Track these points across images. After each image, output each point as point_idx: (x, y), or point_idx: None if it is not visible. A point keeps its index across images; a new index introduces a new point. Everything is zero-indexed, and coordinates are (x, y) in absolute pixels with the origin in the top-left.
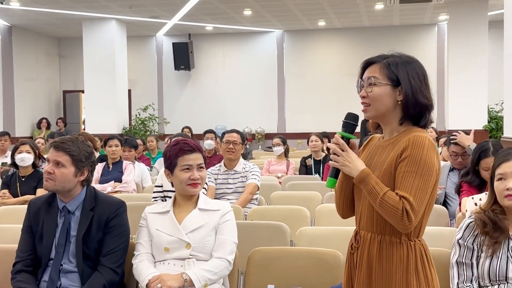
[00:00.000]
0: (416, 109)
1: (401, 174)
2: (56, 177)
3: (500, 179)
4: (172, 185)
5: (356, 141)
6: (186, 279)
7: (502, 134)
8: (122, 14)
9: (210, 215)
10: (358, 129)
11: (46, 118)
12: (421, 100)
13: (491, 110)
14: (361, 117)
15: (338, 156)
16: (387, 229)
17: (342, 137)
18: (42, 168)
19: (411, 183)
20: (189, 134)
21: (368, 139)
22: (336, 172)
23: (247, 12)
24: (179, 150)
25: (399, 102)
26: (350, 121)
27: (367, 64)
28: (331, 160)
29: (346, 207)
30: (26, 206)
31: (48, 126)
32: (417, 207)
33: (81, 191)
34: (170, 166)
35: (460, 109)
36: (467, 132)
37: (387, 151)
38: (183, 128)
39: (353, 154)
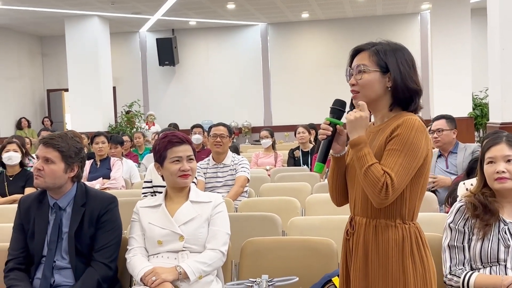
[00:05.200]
0: (405, 94)
1: (387, 152)
2: (45, 173)
3: (489, 162)
4: (163, 179)
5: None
6: (180, 272)
7: (487, 120)
8: (104, 10)
9: (202, 207)
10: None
11: (24, 117)
12: (410, 85)
13: (475, 97)
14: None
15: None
16: (382, 213)
17: (330, 123)
18: (30, 167)
19: (395, 160)
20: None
21: None
22: (324, 157)
23: (231, 6)
24: (168, 142)
25: (389, 88)
26: (337, 107)
27: (355, 52)
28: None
29: (340, 195)
30: (15, 205)
31: (29, 125)
32: (397, 184)
33: (71, 187)
34: (160, 159)
35: (445, 97)
36: None
37: (378, 136)
38: (170, 124)
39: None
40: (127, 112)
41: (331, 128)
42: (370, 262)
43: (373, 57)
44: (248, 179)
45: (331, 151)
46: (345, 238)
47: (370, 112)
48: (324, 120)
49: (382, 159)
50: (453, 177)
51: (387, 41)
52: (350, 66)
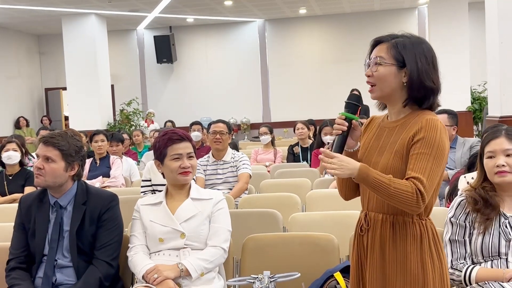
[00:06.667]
0: (420, 91)
1: (415, 156)
2: (46, 172)
3: (489, 156)
4: (164, 176)
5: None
6: (182, 269)
7: (487, 114)
8: (102, 8)
9: (203, 204)
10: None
11: (23, 117)
12: (427, 83)
13: (473, 91)
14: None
15: (333, 164)
16: (399, 209)
17: (345, 118)
18: (30, 166)
19: (424, 165)
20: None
21: (368, 120)
22: (340, 147)
23: (228, 3)
24: (168, 139)
25: (405, 84)
26: (353, 102)
27: (375, 43)
28: (333, 138)
29: (350, 190)
30: (15, 205)
31: (27, 124)
32: (429, 187)
33: (72, 186)
34: (160, 157)
35: (443, 92)
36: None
37: (397, 132)
38: (165, 122)
39: (342, 156)
40: (122, 111)
41: (346, 123)
42: (388, 258)
43: (391, 50)
44: (250, 175)
45: None
46: (359, 234)
47: (386, 106)
48: (339, 115)
49: (410, 164)
50: (451, 171)
51: (409, 35)
52: (369, 57)
